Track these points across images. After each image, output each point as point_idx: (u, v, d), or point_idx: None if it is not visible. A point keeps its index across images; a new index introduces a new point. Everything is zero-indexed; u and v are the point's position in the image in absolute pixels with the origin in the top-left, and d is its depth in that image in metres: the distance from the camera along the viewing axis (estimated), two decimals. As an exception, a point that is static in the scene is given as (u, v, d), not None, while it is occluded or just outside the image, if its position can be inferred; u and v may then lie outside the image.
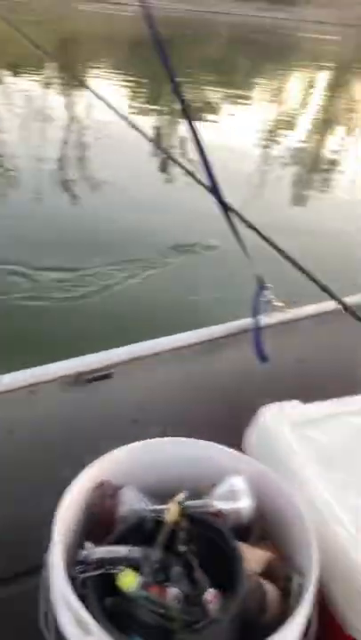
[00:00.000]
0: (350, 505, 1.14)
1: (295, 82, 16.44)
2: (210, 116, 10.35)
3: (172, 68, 1.21)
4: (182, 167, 1.48)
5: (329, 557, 1.05)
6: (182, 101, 1.27)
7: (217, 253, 4.63)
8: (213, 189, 1.38)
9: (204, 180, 1.42)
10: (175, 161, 1.49)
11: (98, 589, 0.91)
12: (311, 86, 16.19)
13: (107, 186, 6.12)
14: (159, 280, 4.44)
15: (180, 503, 0.97)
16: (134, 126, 1.70)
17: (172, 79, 1.23)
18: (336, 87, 16.58)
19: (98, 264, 4.47)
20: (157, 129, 8.73)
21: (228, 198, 1.43)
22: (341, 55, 21.96)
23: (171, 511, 0.95)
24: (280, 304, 1.65)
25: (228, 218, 1.44)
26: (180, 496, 0.98)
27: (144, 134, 1.65)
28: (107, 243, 4.81)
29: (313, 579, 0.96)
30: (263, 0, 30.01)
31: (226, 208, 1.42)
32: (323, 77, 17.98)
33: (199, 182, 1.44)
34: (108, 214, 5.39)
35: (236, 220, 1.51)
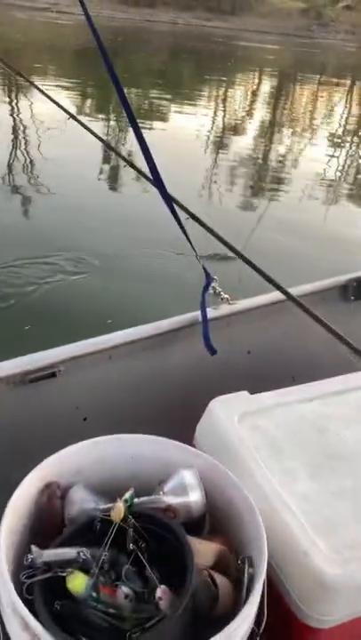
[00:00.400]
0: (298, 492, 1.16)
1: (238, 89, 16.60)
2: (155, 123, 10.32)
3: (115, 73, 1.20)
4: (126, 161, 1.46)
5: (279, 545, 1.07)
6: (122, 94, 1.25)
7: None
8: (157, 182, 1.37)
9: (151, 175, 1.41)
10: (119, 155, 1.47)
11: (46, 593, 0.89)
12: (254, 93, 16.38)
13: (52, 183, 6.04)
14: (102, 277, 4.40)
15: (126, 501, 0.96)
16: (81, 123, 1.67)
17: (113, 79, 1.21)
18: (278, 94, 16.84)
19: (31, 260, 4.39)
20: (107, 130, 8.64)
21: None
22: (282, 63, 22.29)
23: (117, 509, 0.94)
24: (227, 296, 1.66)
25: (173, 210, 1.43)
26: (127, 494, 0.98)
27: (89, 129, 1.62)
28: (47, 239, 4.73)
29: (263, 568, 0.97)
30: (203, 10, 30.24)
31: (170, 201, 1.41)
32: (265, 84, 18.22)
33: (144, 176, 1.43)
34: (51, 212, 5.32)
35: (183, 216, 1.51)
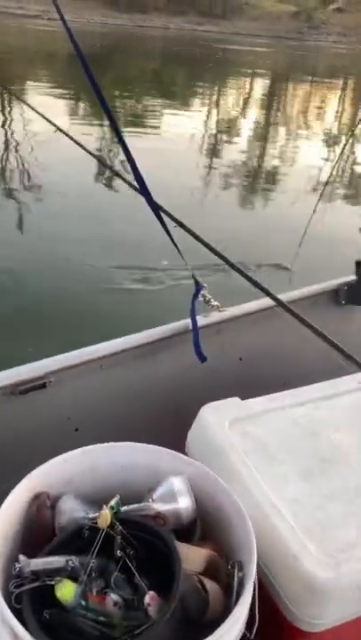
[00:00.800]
0: (288, 496, 1.16)
1: (231, 92, 16.77)
2: (149, 128, 10.42)
3: (95, 79, 1.21)
4: (115, 173, 1.48)
5: (270, 549, 1.08)
6: (103, 102, 1.27)
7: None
8: (143, 191, 1.38)
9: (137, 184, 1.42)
10: (106, 166, 1.48)
11: (35, 602, 0.90)
12: (247, 96, 16.54)
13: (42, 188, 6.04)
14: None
15: (112, 507, 0.96)
16: (67, 134, 1.69)
17: (95, 89, 1.23)
18: (270, 96, 17.00)
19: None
20: (100, 141, 8.69)
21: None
22: (274, 66, 22.49)
23: (102, 516, 0.95)
24: (217, 303, 1.67)
25: (161, 219, 1.45)
26: (112, 501, 0.98)
27: (74, 140, 1.64)
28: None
29: (252, 572, 0.97)
30: (195, 14, 30.58)
31: (157, 209, 1.42)
32: (257, 87, 18.39)
33: (130, 185, 1.44)
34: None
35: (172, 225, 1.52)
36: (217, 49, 24.00)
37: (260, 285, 1.42)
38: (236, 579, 0.99)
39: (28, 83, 13.40)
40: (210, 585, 1.01)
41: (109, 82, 14.74)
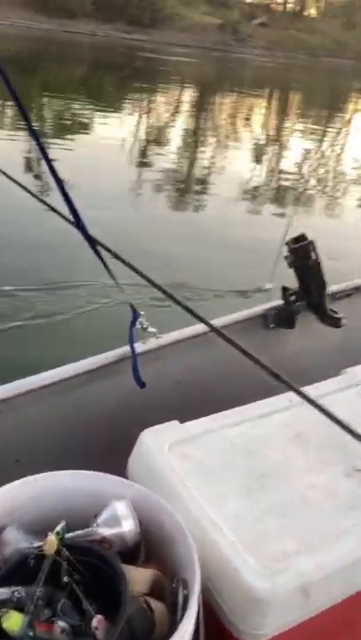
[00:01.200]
0: (228, 513, 1.21)
1: (161, 101, 17.14)
2: (78, 136, 10.48)
3: (16, 92, 1.21)
4: (46, 204, 1.51)
5: (212, 565, 1.12)
6: (33, 132, 1.29)
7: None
8: (78, 225, 1.42)
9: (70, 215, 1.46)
10: (38, 198, 1.51)
11: (-19, 636, 0.90)
12: (176, 105, 16.98)
13: None
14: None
15: (58, 533, 0.98)
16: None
17: (18, 104, 1.23)
18: (198, 105, 17.55)
19: None
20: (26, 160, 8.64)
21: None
22: (201, 76, 23.23)
23: (49, 542, 0.96)
24: (155, 330, 1.72)
25: (96, 251, 1.49)
26: (58, 527, 1.00)
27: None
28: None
29: (196, 588, 1.01)
30: (123, 22, 30.99)
31: (92, 242, 1.47)
32: (186, 96, 18.92)
33: (64, 218, 1.48)
34: None
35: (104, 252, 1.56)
36: (144, 58, 24.47)
37: (194, 313, 1.48)
38: (180, 596, 1.03)
39: None
40: (155, 605, 1.04)
41: (36, 88, 14.68)
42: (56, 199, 1.39)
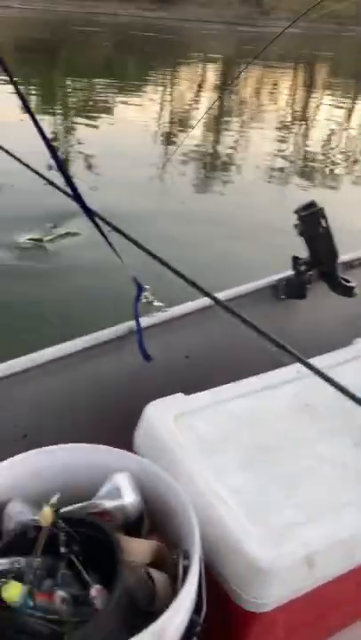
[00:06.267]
0: (231, 484, 1.21)
1: (184, 79, 16.87)
2: (103, 116, 10.42)
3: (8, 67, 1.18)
4: (42, 176, 1.48)
5: (214, 535, 1.12)
6: (24, 102, 1.27)
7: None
8: (76, 197, 1.40)
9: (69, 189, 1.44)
10: (33, 170, 1.49)
11: (-18, 606, 0.91)
12: (201, 81, 16.70)
13: None
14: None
15: (52, 505, 0.99)
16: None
17: (10, 78, 1.20)
18: (221, 81, 17.20)
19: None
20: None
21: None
22: (226, 51, 22.68)
23: (44, 514, 0.97)
24: (160, 304, 1.71)
25: (95, 223, 1.46)
26: (54, 498, 1.00)
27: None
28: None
29: (195, 558, 1.01)
30: (145, 1, 30.35)
31: (91, 214, 1.44)
32: (210, 73, 18.58)
33: (62, 191, 1.45)
34: None
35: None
36: (167, 35, 24.07)
37: (197, 285, 1.45)
38: (180, 567, 1.03)
39: None
40: (157, 575, 1.04)
41: (59, 71, 14.57)
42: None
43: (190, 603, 1.00)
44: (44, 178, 1.44)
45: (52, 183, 1.45)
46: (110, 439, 1.24)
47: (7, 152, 1.53)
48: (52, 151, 1.29)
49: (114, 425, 1.48)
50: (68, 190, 1.38)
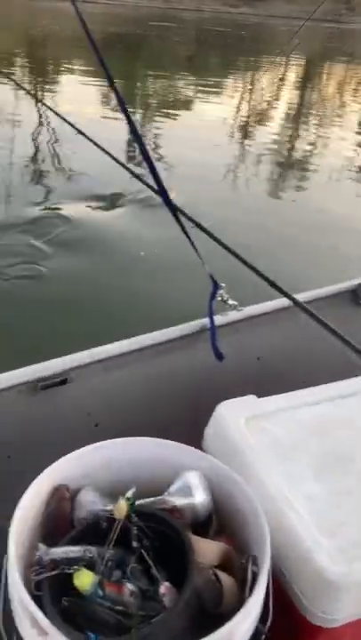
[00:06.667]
0: (304, 493, 1.17)
1: (265, 76, 16.70)
2: (183, 112, 10.51)
3: (109, 68, 1.21)
4: (130, 172, 1.51)
5: (283, 544, 1.09)
6: (122, 103, 1.29)
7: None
8: (161, 192, 1.41)
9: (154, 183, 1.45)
10: (123, 165, 1.51)
11: (54, 590, 0.93)
12: (283, 79, 16.48)
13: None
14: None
15: (128, 499, 0.99)
16: (85, 136, 1.72)
17: (109, 79, 1.23)
18: (306, 79, 16.91)
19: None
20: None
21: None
22: (310, 49, 22.25)
23: (119, 507, 0.97)
24: (235, 303, 1.69)
25: (178, 219, 1.47)
26: (129, 492, 1.01)
27: (91, 140, 1.67)
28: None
29: (266, 565, 0.99)
30: None
31: (174, 210, 1.44)
32: (292, 71, 18.29)
33: (147, 185, 1.47)
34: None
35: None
36: (249, 32, 23.94)
37: (277, 286, 1.43)
38: (250, 572, 1.01)
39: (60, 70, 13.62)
40: (224, 578, 1.03)
41: (141, 67, 14.83)
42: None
43: (258, 611, 0.98)
44: (130, 172, 1.46)
45: (137, 177, 1.47)
46: (178, 435, 1.24)
47: (102, 149, 1.55)
48: (143, 148, 1.30)
49: (182, 421, 1.47)
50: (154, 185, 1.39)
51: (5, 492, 1.16)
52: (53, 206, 5.59)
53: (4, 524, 0.99)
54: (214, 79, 14.90)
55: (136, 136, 1.29)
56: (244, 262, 1.45)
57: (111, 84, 1.21)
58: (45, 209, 5.54)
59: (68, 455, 1.14)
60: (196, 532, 1.10)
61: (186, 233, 1.50)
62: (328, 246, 5.05)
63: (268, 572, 0.99)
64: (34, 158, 7.19)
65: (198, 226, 1.50)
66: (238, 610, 0.96)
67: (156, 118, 9.78)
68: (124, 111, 1.29)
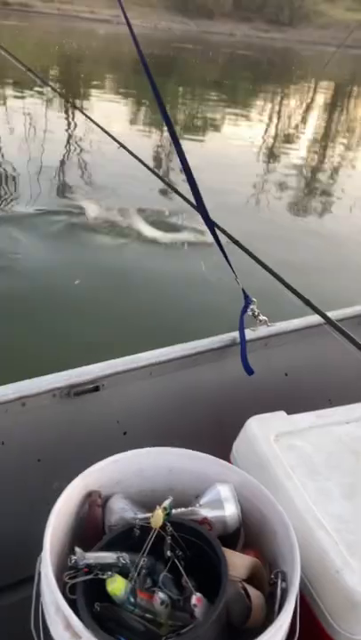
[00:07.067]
0: (333, 511, 1.18)
1: (293, 101, 16.84)
2: (211, 134, 10.62)
3: (158, 90, 1.26)
4: (170, 186, 1.53)
5: (312, 562, 1.09)
6: (168, 121, 1.33)
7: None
8: (200, 208, 1.43)
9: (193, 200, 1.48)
10: (163, 180, 1.55)
11: (87, 594, 0.94)
12: (311, 104, 16.60)
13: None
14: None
15: (165, 509, 1.00)
16: (127, 149, 1.76)
17: (158, 101, 1.28)
18: (334, 105, 16.99)
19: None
20: (156, 150, 8.95)
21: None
22: (339, 75, 22.40)
23: (156, 516, 0.98)
24: (265, 318, 1.70)
25: (215, 234, 1.49)
26: (166, 502, 1.02)
27: (132, 153, 1.71)
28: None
29: (295, 582, 0.99)
30: (261, 21, 30.57)
31: (212, 225, 1.47)
32: (319, 96, 18.41)
33: (187, 201, 1.49)
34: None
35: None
36: (279, 57, 24.15)
37: (310, 303, 1.44)
38: (279, 588, 1.01)
39: (95, 87, 13.92)
40: (253, 592, 1.03)
41: (173, 89, 15.11)
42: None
43: (286, 627, 0.98)
44: (170, 186, 1.49)
45: (177, 192, 1.49)
46: (204, 446, 1.25)
47: (147, 166, 1.58)
48: (186, 165, 1.33)
49: (210, 433, 1.48)
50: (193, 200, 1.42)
51: (34, 495, 1.18)
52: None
53: (38, 529, 1.01)
54: (241, 101, 15.07)
55: (180, 155, 1.32)
56: (280, 279, 1.47)
57: (160, 104, 1.25)
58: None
59: (103, 461, 1.15)
60: (224, 544, 1.10)
61: (221, 248, 1.52)
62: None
63: (297, 589, 0.99)
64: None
65: (235, 242, 1.52)
66: (263, 625, 0.97)
67: (184, 137, 9.94)
68: (171, 131, 1.33)
